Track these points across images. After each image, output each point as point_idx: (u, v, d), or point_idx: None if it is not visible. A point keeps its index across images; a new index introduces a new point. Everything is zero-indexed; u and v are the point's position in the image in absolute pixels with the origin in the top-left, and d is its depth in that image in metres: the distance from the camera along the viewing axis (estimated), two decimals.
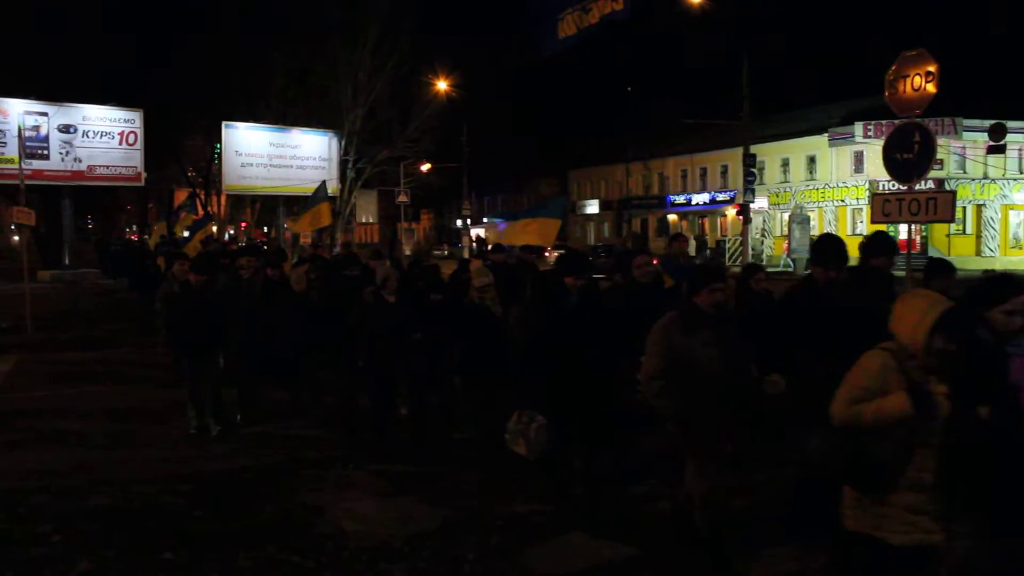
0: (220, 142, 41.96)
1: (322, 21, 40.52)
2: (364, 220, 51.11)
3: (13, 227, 51.29)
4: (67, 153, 37.24)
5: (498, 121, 67.14)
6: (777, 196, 51.12)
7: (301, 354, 9.98)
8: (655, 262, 8.35)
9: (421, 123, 43.91)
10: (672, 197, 60.19)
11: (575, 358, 6.39)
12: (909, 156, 9.45)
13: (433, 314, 8.52)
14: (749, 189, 41.43)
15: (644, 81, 70.04)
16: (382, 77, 42.36)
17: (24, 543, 6.05)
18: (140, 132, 38.81)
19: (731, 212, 52.10)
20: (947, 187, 36.05)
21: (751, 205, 42.23)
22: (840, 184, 47.06)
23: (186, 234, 27.91)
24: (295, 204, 46.77)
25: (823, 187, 48.14)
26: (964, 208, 43.56)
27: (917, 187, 9.74)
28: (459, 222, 64.31)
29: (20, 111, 35.22)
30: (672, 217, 60.88)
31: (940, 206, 8.97)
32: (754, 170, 42.35)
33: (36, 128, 35.96)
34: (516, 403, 6.77)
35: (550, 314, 6.78)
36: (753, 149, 42.01)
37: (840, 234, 46.34)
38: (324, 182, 18.01)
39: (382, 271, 9.25)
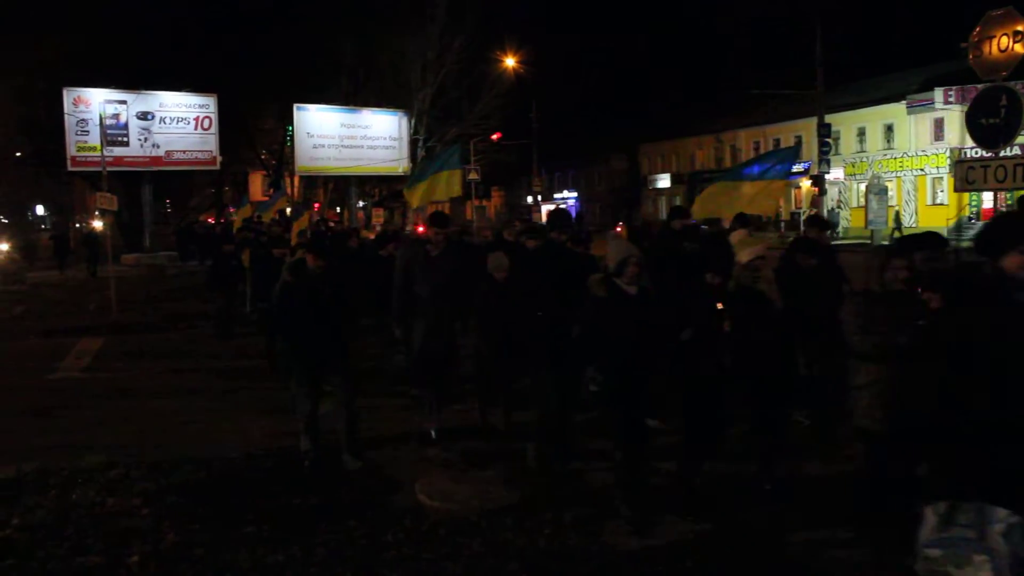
0: (292, 124, 42.51)
1: (390, 1, 40.70)
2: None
3: (97, 212, 52.65)
4: (146, 139, 38.18)
5: (567, 96, 66.72)
6: (853, 166, 49.92)
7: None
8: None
9: (490, 100, 43.88)
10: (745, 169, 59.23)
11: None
12: (995, 121, 9.15)
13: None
14: (824, 160, 40.55)
15: (713, 51, 68.90)
16: (450, 55, 42.40)
17: (115, 515, 6.25)
18: (215, 117, 39.60)
19: (806, 184, 51.09)
20: None
21: (826, 176, 41.36)
22: (919, 153, 45.77)
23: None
24: (367, 184, 47.27)
25: (901, 156, 46.86)
26: None
27: (1003, 153, 9.44)
28: (529, 198, 64.11)
29: (101, 100, 36.19)
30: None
31: None
32: (829, 140, 41.41)
33: (116, 116, 36.93)
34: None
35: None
36: (828, 118, 41.06)
37: (919, 204, 45.27)
38: (457, 146, 14.87)
39: (496, 259, 8.38)
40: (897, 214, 42.75)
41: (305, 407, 7.46)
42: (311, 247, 7.75)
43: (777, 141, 56.44)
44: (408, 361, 8.92)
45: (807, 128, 48.17)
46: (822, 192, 40.52)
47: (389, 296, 8.60)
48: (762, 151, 57.76)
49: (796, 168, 52.85)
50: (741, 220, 9.89)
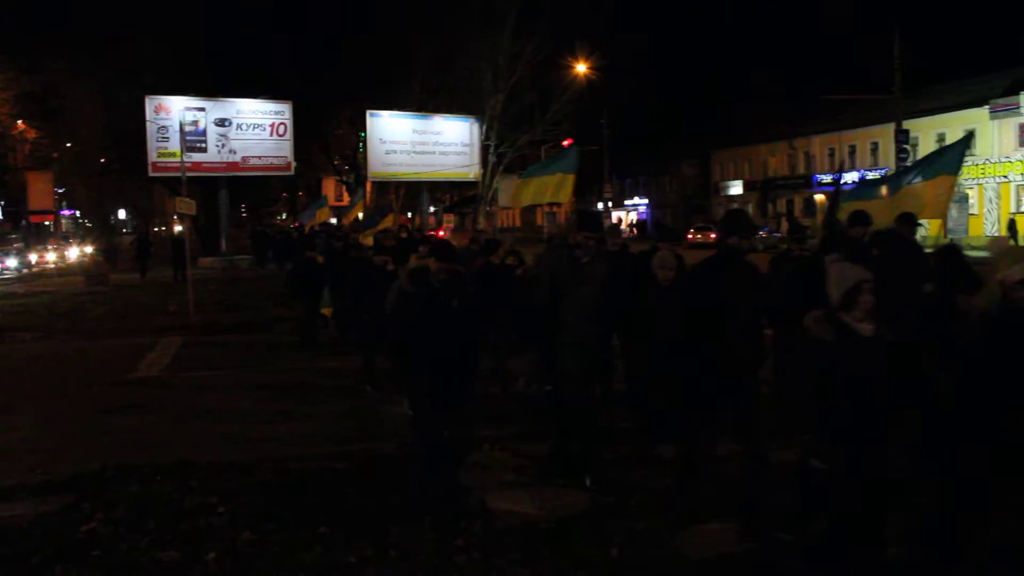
0: (365, 130, 43.02)
1: (462, 7, 40.94)
2: (505, 204, 51.44)
3: (175, 217, 53.97)
4: (223, 145, 39.02)
5: (638, 102, 66.35)
6: None
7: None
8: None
9: (561, 106, 43.87)
10: (819, 176, 58.24)
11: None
12: None
13: None
14: (902, 167, 39.68)
15: (788, 55, 67.93)
16: (522, 61, 42.51)
17: (193, 513, 6.37)
18: (289, 123, 40.29)
19: (882, 191, 50.09)
20: None
21: None
22: (1003, 159, 44.50)
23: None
24: (438, 190, 47.58)
25: (983, 163, 45.60)
26: None
27: None
28: (600, 205, 63.98)
29: (180, 107, 37.09)
30: (819, 197, 58.95)
31: None
32: (907, 147, 40.59)
33: (195, 123, 37.81)
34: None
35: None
36: (906, 124, 40.25)
37: (1003, 212, 44.00)
38: (575, 147, 13.54)
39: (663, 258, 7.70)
40: (1012, 221, 40.88)
41: (425, 435, 6.54)
42: (437, 252, 6.75)
43: (853, 148, 55.43)
44: (537, 392, 7.95)
45: (884, 134, 47.29)
46: None
47: (501, 312, 8.31)
48: (837, 158, 56.77)
49: (872, 175, 51.93)
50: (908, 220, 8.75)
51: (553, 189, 12.43)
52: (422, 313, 6.45)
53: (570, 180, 12.32)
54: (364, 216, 26.80)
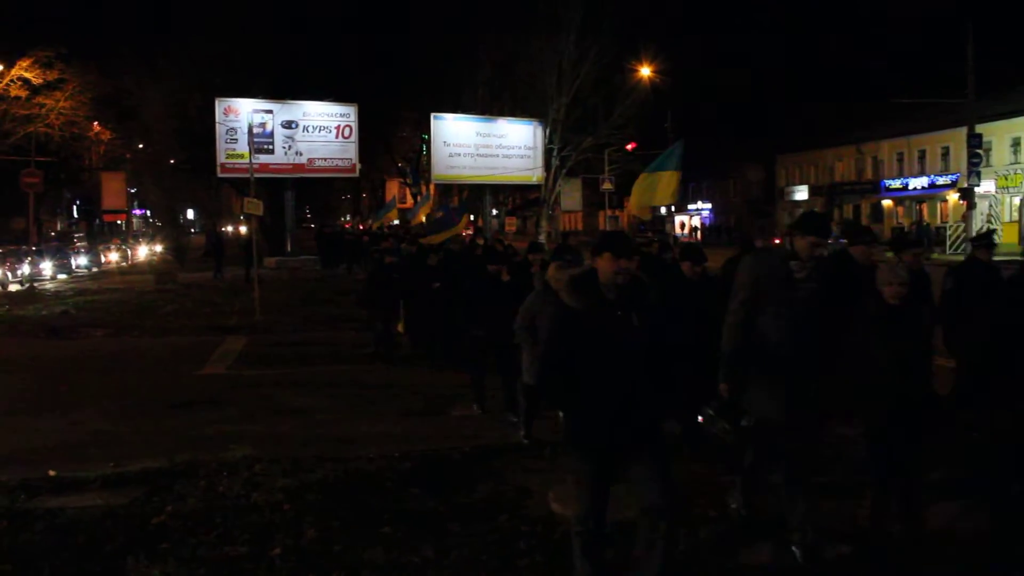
0: (429, 133, 43.30)
1: (526, 11, 41.03)
2: (568, 208, 51.43)
3: (242, 218, 54.92)
4: (289, 147, 39.59)
5: (703, 106, 65.87)
6: (1006, 179, 47.45)
7: None
8: None
9: (625, 110, 43.69)
10: (887, 182, 57.11)
11: None
12: None
13: None
14: (974, 172, 38.76)
15: (855, 57, 66.81)
16: (586, 65, 42.43)
17: (259, 508, 6.47)
18: (355, 126, 40.73)
19: (953, 197, 48.95)
20: None
21: (976, 189, 39.50)
22: None
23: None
24: (500, 193, 47.71)
25: None
26: None
27: None
28: (663, 209, 63.52)
29: (249, 110, 37.69)
30: (887, 202, 57.86)
31: None
32: (980, 151, 39.58)
33: (263, 125, 38.41)
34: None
35: None
36: (979, 128, 39.27)
37: None
38: (680, 143, 12.44)
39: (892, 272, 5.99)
40: None
41: (585, 503, 4.74)
42: (612, 246, 4.63)
43: (923, 152, 54.32)
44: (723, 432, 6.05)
45: (956, 138, 46.19)
46: (971, 206, 38.70)
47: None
48: (906, 163, 55.66)
49: (942, 180, 50.81)
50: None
51: (663, 188, 11.88)
52: (589, 337, 4.59)
53: (676, 178, 11.73)
54: (428, 219, 26.93)
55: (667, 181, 11.63)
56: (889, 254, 8.15)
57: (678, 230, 75.10)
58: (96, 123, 49.45)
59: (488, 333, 9.31)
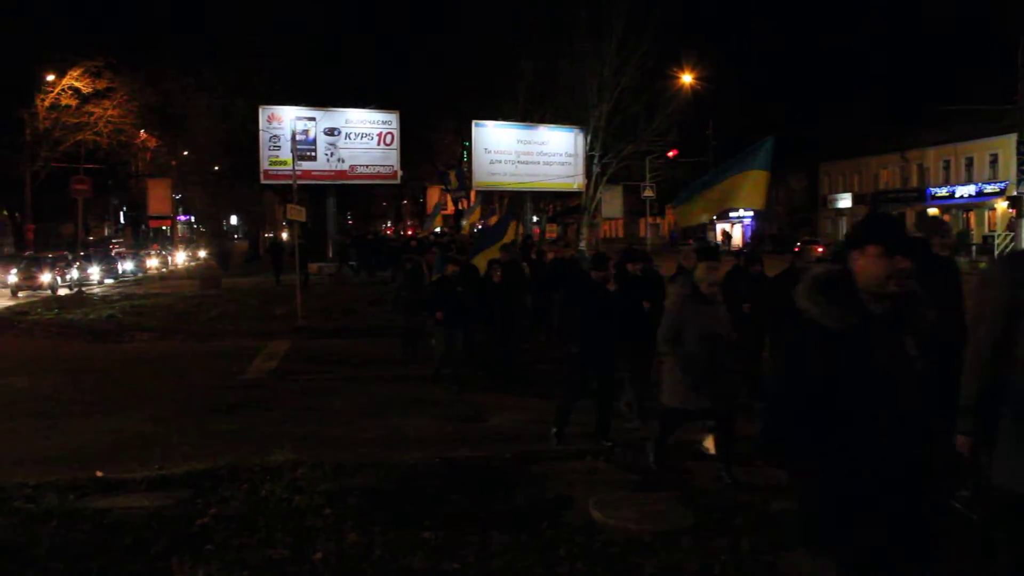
0: (470, 140, 43.43)
1: (568, 18, 41.01)
2: (609, 215, 51.28)
3: (284, 224, 55.42)
4: (332, 154, 39.92)
5: (746, 113, 65.40)
6: None
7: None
8: None
9: (666, 117, 43.50)
10: (932, 189, 56.31)
11: None
12: None
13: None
14: (1023, 179, 38.11)
15: (899, 63, 66.00)
16: (627, 72, 42.31)
17: (301, 512, 6.51)
18: (396, 133, 41.00)
19: (1001, 205, 48.17)
20: None
21: None
22: None
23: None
24: (541, 199, 47.72)
25: None
26: None
27: None
28: (704, 216, 63.15)
29: (292, 117, 38.06)
30: (932, 210, 57.03)
31: None
32: None
33: (305, 132, 38.75)
34: None
35: None
36: None
37: None
38: (771, 140, 10.52)
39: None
40: None
41: None
42: (899, 242, 3.25)
43: (970, 160, 53.51)
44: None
45: (1004, 145, 45.46)
46: (1021, 214, 38.04)
47: None
48: (952, 170, 54.79)
49: (990, 188, 49.99)
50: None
51: (748, 191, 10.31)
52: (858, 368, 3.15)
53: (764, 179, 10.27)
54: (472, 225, 27.01)
55: (756, 182, 10.25)
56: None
57: (719, 238, 74.62)
58: (143, 131, 50.31)
59: (586, 350, 8.56)
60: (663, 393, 7.43)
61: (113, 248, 48.28)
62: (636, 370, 9.53)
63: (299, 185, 23.81)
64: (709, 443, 7.45)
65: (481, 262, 13.27)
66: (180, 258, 57.93)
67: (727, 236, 75.18)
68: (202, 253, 57.93)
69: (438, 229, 39.28)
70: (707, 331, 7.08)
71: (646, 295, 9.48)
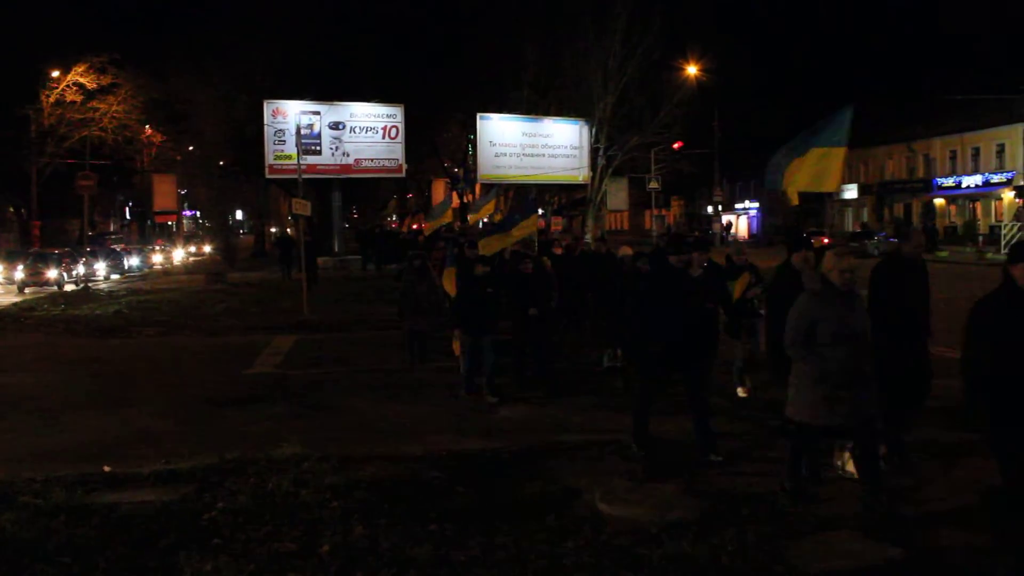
0: (475, 133, 43.36)
1: (572, 10, 40.90)
2: (614, 207, 51.24)
3: (289, 218, 55.45)
4: (337, 148, 39.86)
5: (750, 104, 65.17)
6: None
7: None
8: None
9: (671, 109, 43.39)
10: (939, 180, 56.08)
11: None
12: None
13: None
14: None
15: (904, 53, 65.68)
16: (632, 64, 42.18)
17: (308, 505, 6.54)
18: (401, 126, 40.91)
19: (1008, 195, 48.00)
20: None
21: None
22: None
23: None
24: (547, 192, 47.68)
25: None
26: None
27: None
28: (710, 208, 63.10)
29: (296, 111, 38.03)
30: (939, 201, 56.84)
31: None
32: None
33: (310, 126, 38.70)
34: None
35: None
36: None
37: None
38: (847, 110, 9.46)
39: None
40: None
41: None
42: None
43: (976, 150, 53.29)
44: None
45: (1012, 135, 45.31)
46: None
47: None
48: (959, 160, 54.60)
49: (997, 179, 49.82)
50: None
51: (822, 169, 9.15)
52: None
53: (843, 157, 9.14)
54: (489, 218, 26.88)
55: (836, 160, 9.13)
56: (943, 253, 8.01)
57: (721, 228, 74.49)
58: (148, 126, 50.30)
59: (668, 349, 7.64)
60: (790, 405, 6.50)
61: (109, 242, 48.13)
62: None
63: (304, 179, 23.78)
64: (849, 465, 6.74)
65: (487, 246, 12.85)
66: (178, 255, 57.76)
67: (728, 227, 74.99)
68: (207, 248, 57.97)
69: (447, 222, 39.20)
70: (844, 330, 6.22)
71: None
